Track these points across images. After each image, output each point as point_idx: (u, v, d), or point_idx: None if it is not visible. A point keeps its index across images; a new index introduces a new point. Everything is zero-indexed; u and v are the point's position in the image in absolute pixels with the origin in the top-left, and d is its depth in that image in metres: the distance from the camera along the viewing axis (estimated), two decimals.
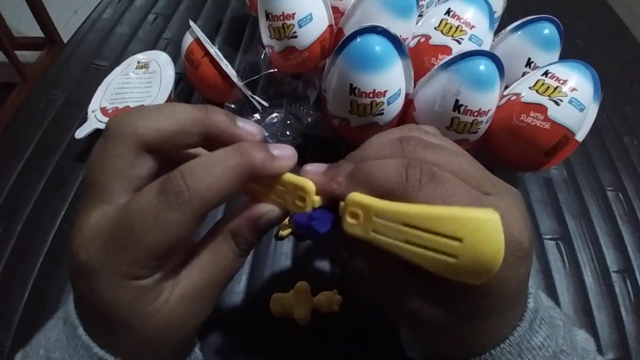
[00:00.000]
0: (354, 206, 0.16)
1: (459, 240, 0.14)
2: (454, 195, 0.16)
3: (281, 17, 0.35)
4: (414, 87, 0.34)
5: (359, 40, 0.30)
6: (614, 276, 0.36)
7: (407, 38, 0.37)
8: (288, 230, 0.34)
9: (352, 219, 0.16)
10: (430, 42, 0.36)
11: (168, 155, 0.18)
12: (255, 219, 0.18)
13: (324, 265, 0.32)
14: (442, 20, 0.36)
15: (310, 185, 0.17)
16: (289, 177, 0.18)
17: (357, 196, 0.16)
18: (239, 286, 0.31)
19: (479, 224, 0.14)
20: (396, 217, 0.15)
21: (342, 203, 0.16)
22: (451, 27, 0.35)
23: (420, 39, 0.37)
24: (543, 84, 0.32)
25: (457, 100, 0.30)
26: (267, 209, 0.18)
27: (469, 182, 0.17)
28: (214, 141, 0.18)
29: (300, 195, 0.17)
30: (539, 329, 0.18)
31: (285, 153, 0.18)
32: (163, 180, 0.16)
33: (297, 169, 0.18)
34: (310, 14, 0.36)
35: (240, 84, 0.38)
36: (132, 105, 0.38)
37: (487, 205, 0.15)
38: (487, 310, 0.17)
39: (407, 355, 0.26)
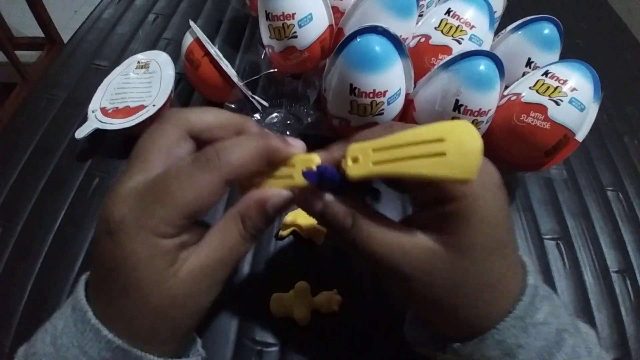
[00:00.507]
0: (353, 152, 0.19)
1: (442, 140, 0.16)
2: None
3: (281, 17, 0.35)
4: (414, 87, 0.34)
5: (359, 40, 0.30)
6: (614, 276, 0.36)
7: (407, 38, 0.37)
8: (288, 230, 0.34)
9: (354, 163, 0.19)
10: (431, 42, 0.36)
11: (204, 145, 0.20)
12: (264, 202, 0.20)
13: (324, 265, 0.32)
14: (442, 20, 0.36)
15: (316, 155, 0.20)
16: (298, 155, 0.20)
17: (354, 145, 0.19)
18: (240, 286, 0.31)
19: (454, 124, 0.17)
20: (390, 143, 0.18)
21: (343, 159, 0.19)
22: (451, 27, 0.35)
23: (420, 39, 0.37)
24: (543, 84, 0.32)
25: (457, 100, 0.30)
26: (275, 192, 0.20)
27: None
28: None
29: (307, 165, 0.20)
30: (541, 305, 0.19)
31: (296, 142, 0.21)
32: (198, 153, 0.19)
33: None
34: (310, 14, 0.36)
35: (240, 84, 0.38)
36: (132, 105, 0.38)
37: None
38: (494, 244, 0.19)
39: (411, 354, 0.26)
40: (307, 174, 0.19)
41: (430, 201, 0.20)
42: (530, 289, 0.19)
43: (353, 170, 0.18)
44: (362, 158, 0.18)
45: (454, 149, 0.16)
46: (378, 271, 0.21)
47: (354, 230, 0.20)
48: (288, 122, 0.41)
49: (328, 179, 0.19)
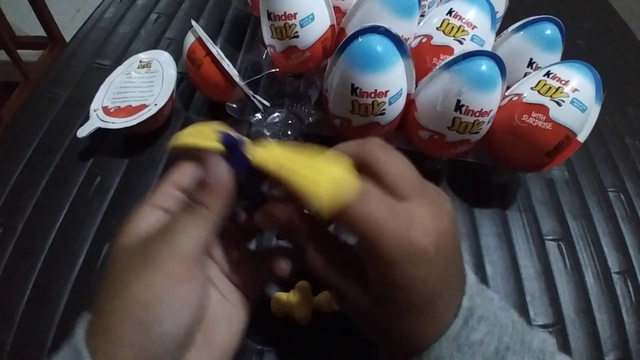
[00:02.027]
0: (263, 144, 0.21)
1: (330, 177, 0.19)
2: (371, 203, 0.19)
3: (283, 17, 0.35)
4: (416, 87, 0.34)
5: (360, 40, 0.30)
6: (615, 277, 0.36)
7: (408, 38, 0.37)
8: None
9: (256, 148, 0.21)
10: (432, 42, 0.36)
11: None
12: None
13: None
14: (444, 20, 0.36)
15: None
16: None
17: (267, 143, 0.21)
18: None
19: (343, 178, 0.19)
20: (296, 155, 0.20)
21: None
22: (453, 27, 0.35)
23: (422, 39, 0.37)
24: (545, 84, 0.32)
25: (458, 101, 0.30)
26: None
27: (402, 184, 0.20)
28: None
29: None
30: (478, 326, 0.19)
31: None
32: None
33: None
34: (312, 14, 0.36)
35: (242, 83, 0.38)
36: (134, 104, 0.38)
37: (400, 210, 0.19)
38: (406, 305, 0.19)
39: None
40: (225, 138, 0.21)
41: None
42: (463, 311, 0.19)
43: (256, 152, 0.21)
44: (267, 151, 0.21)
45: (326, 190, 0.19)
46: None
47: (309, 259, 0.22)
48: (289, 122, 0.41)
49: (233, 146, 0.21)
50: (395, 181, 0.20)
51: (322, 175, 0.19)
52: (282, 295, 0.30)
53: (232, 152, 0.21)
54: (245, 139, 0.21)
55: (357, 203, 0.19)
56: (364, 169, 0.21)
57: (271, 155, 0.20)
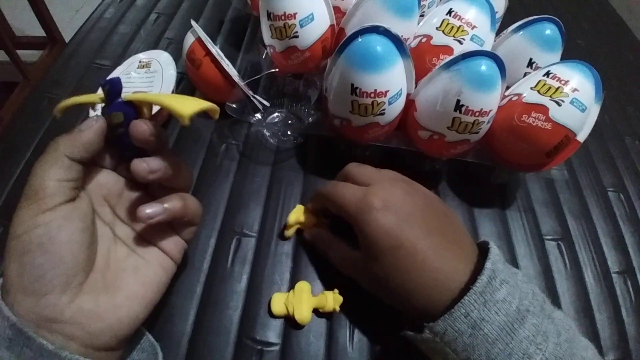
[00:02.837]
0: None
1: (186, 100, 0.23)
2: (343, 188, 0.30)
3: (282, 17, 0.35)
4: (415, 87, 0.34)
5: (360, 40, 0.30)
6: (614, 277, 0.36)
7: (408, 38, 0.37)
8: (292, 230, 0.34)
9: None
10: (432, 42, 0.36)
11: None
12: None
13: (324, 265, 0.32)
14: (443, 20, 0.36)
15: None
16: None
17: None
18: (240, 286, 0.32)
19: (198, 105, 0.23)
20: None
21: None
22: (453, 27, 0.35)
23: (421, 39, 0.37)
24: (544, 84, 0.32)
25: (458, 101, 0.30)
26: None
27: (364, 178, 0.30)
28: None
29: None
30: (500, 287, 0.23)
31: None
32: None
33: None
34: (312, 14, 0.36)
35: (241, 83, 0.38)
36: None
37: (361, 190, 0.29)
38: (383, 249, 0.26)
39: (410, 353, 0.26)
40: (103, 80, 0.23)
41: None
42: (487, 271, 0.23)
43: (130, 95, 0.24)
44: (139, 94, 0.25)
45: (188, 104, 0.22)
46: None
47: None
48: (289, 122, 0.41)
49: (113, 86, 0.23)
50: (360, 179, 0.30)
51: (185, 100, 0.23)
52: (282, 296, 0.30)
53: (110, 96, 0.23)
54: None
55: (339, 189, 0.30)
56: (348, 180, 0.31)
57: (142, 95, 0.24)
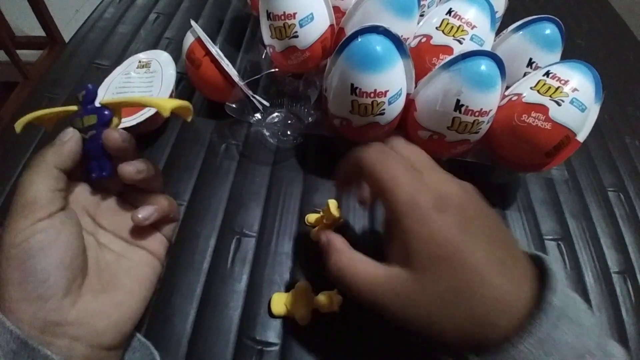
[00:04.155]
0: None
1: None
2: (396, 168, 0.23)
3: (282, 17, 0.35)
4: (415, 87, 0.34)
5: (360, 40, 0.30)
6: (614, 277, 0.36)
7: (408, 38, 0.37)
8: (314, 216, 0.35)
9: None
10: (432, 42, 0.36)
11: None
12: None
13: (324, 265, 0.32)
14: (443, 20, 0.36)
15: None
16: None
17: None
18: (240, 286, 0.32)
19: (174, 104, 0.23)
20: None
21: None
22: (452, 27, 0.35)
23: (421, 39, 0.37)
24: (544, 84, 0.32)
25: (458, 100, 0.30)
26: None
27: (417, 164, 0.24)
28: None
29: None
30: (565, 328, 0.19)
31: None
32: None
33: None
34: (312, 14, 0.36)
35: (241, 83, 0.38)
36: None
37: (423, 182, 0.23)
38: (428, 264, 0.21)
39: (410, 354, 0.26)
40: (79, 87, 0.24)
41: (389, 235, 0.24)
42: (553, 310, 0.19)
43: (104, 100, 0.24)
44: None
45: (167, 101, 0.23)
46: (362, 304, 0.23)
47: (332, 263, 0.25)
48: (289, 121, 0.41)
49: (89, 94, 0.24)
50: (415, 164, 0.24)
51: (163, 99, 0.24)
52: (282, 296, 0.30)
53: (85, 102, 0.24)
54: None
55: (385, 164, 0.23)
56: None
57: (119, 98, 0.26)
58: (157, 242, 0.27)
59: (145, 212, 0.25)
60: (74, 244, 0.22)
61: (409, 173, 0.23)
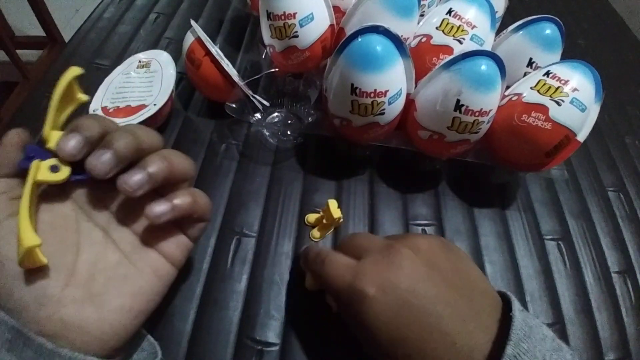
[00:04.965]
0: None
1: None
2: (334, 267, 0.26)
3: (282, 17, 0.35)
4: (415, 87, 0.34)
5: (360, 40, 0.30)
6: (614, 277, 0.36)
7: (408, 38, 0.37)
8: (314, 216, 0.35)
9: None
10: (432, 41, 0.36)
11: None
12: None
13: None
14: (443, 20, 0.36)
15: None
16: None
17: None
18: (240, 286, 0.32)
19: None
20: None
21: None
22: (452, 27, 0.35)
23: (421, 39, 0.37)
24: (544, 84, 0.32)
25: (458, 100, 0.30)
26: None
27: (359, 249, 0.26)
28: None
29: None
30: None
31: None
32: None
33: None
34: (312, 14, 0.35)
35: (241, 83, 0.38)
36: (133, 104, 0.38)
37: (352, 267, 0.25)
38: (385, 344, 0.23)
39: None
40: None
41: None
42: (506, 358, 0.20)
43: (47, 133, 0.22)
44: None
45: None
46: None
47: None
48: (289, 121, 0.41)
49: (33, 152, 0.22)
50: (355, 249, 0.26)
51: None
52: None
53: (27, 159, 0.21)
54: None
55: (325, 268, 0.26)
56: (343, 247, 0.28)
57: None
58: (175, 245, 0.24)
59: (160, 209, 0.22)
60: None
61: (342, 268, 0.25)
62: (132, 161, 0.22)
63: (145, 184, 0.21)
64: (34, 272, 0.20)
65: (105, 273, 0.22)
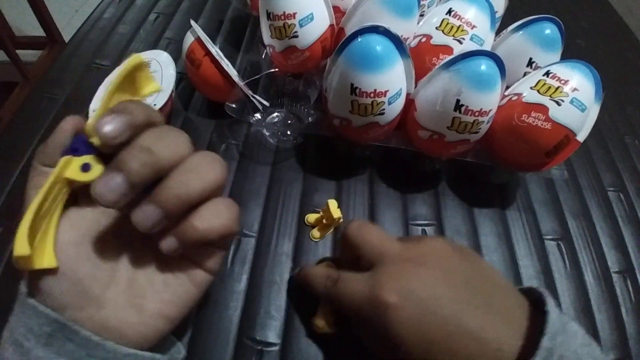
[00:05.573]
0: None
1: None
2: (347, 286, 0.25)
3: (282, 17, 0.35)
4: (415, 86, 0.34)
5: (360, 40, 0.30)
6: (614, 277, 0.36)
7: (408, 38, 0.37)
8: (314, 216, 0.35)
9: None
10: (432, 41, 0.36)
11: None
12: None
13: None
14: (443, 20, 0.36)
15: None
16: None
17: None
18: (240, 286, 0.32)
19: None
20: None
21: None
22: (452, 26, 0.35)
23: (421, 39, 0.37)
24: (544, 84, 0.32)
25: (458, 100, 0.30)
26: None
27: (370, 255, 0.26)
28: None
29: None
30: None
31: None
32: None
33: None
34: (312, 14, 0.35)
35: (241, 83, 0.38)
36: None
37: (366, 279, 0.24)
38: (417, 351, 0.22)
39: None
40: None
41: None
42: (542, 351, 0.20)
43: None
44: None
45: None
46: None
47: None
48: (289, 121, 0.41)
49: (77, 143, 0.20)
50: (363, 253, 0.26)
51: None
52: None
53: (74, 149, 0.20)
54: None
55: (340, 287, 0.25)
56: (350, 248, 0.27)
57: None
58: (207, 256, 0.23)
59: (169, 244, 0.20)
60: (72, 254, 0.20)
61: (357, 285, 0.25)
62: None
63: (161, 222, 0.19)
64: (75, 271, 0.19)
65: (145, 277, 0.22)
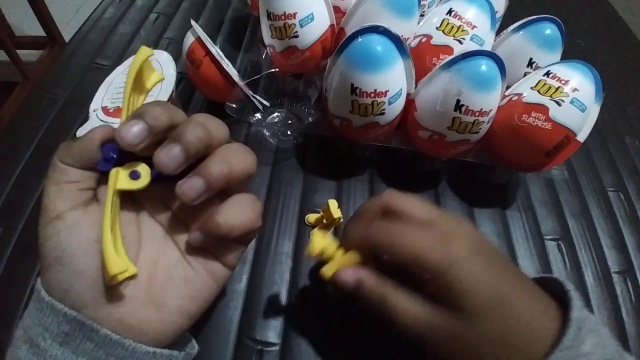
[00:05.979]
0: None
1: None
2: (407, 233, 0.23)
3: (282, 17, 0.35)
4: (415, 87, 0.34)
5: (360, 40, 0.30)
6: (615, 277, 0.36)
7: (408, 38, 0.37)
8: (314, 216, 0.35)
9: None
10: (432, 42, 0.36)
11: None
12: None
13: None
14: (443, 20, 0.36)
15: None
16: None
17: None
18: (240, 286, 0.32)
19: None
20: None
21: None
22: (453, 27, 0.35)
23: (421, 39, 0.37)
24: (544, 84, 0.32)
25: (458, 101, 0.30)
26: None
27: (420, 214, 0.24)
28: None
29: None
30: (586, 337, 0.21)
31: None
32: None
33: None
34: (312, 14, 0.36)
35: (241, 83, 0.38)
36: None
37: (445, 234, 0.23)
38: (483, 307, 0.21)
39: (411, 354, 0.26)
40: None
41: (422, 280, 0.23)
42: (575, 322, 0.21)
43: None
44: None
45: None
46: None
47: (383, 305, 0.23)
48: (289, 121, 0.41)
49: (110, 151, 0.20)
50: (413, 212, 0.24)
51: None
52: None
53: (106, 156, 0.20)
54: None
55: (396, 237, 0.23)
56: (391, 213, 0.25)
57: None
58: (228, 250, 0.23)
59: (195, 238, 0.21)
60: (93, 251, 0.19)
61: (424, 234, 0.23)
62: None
63: (204, 193, 0.20)
64: (95, 269, 0.19)
65: (165, 273, 0.22)
